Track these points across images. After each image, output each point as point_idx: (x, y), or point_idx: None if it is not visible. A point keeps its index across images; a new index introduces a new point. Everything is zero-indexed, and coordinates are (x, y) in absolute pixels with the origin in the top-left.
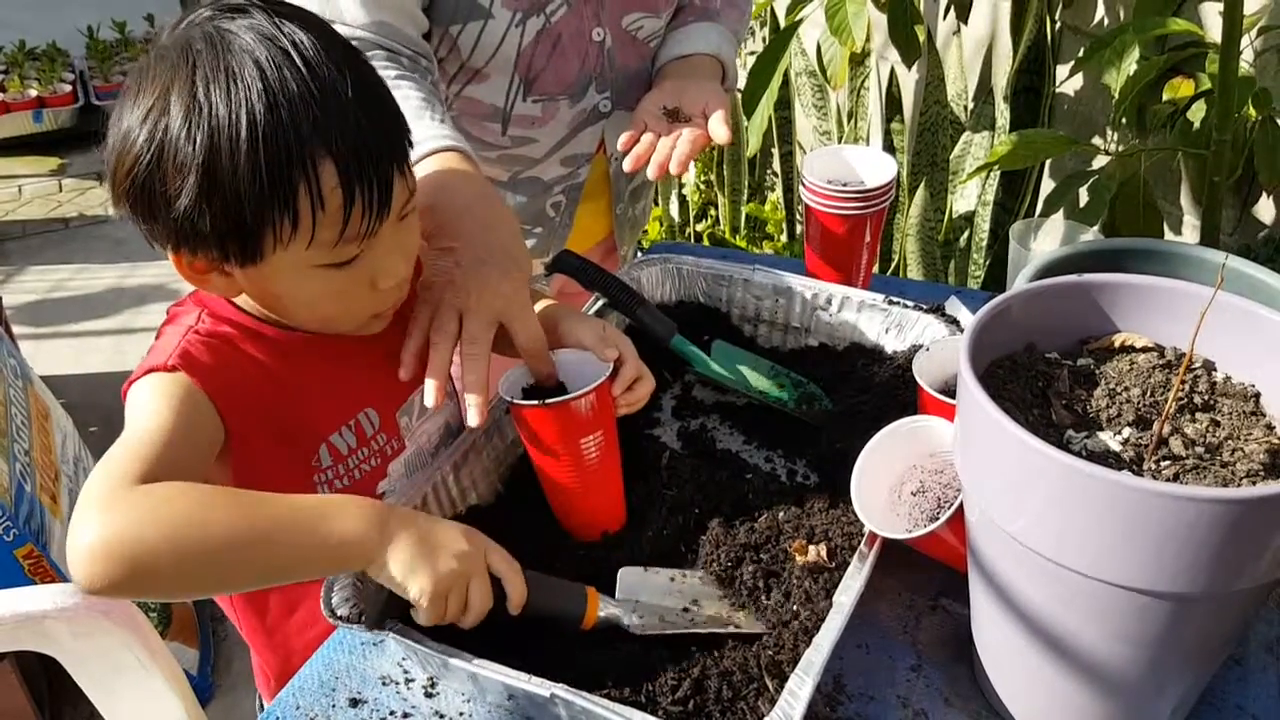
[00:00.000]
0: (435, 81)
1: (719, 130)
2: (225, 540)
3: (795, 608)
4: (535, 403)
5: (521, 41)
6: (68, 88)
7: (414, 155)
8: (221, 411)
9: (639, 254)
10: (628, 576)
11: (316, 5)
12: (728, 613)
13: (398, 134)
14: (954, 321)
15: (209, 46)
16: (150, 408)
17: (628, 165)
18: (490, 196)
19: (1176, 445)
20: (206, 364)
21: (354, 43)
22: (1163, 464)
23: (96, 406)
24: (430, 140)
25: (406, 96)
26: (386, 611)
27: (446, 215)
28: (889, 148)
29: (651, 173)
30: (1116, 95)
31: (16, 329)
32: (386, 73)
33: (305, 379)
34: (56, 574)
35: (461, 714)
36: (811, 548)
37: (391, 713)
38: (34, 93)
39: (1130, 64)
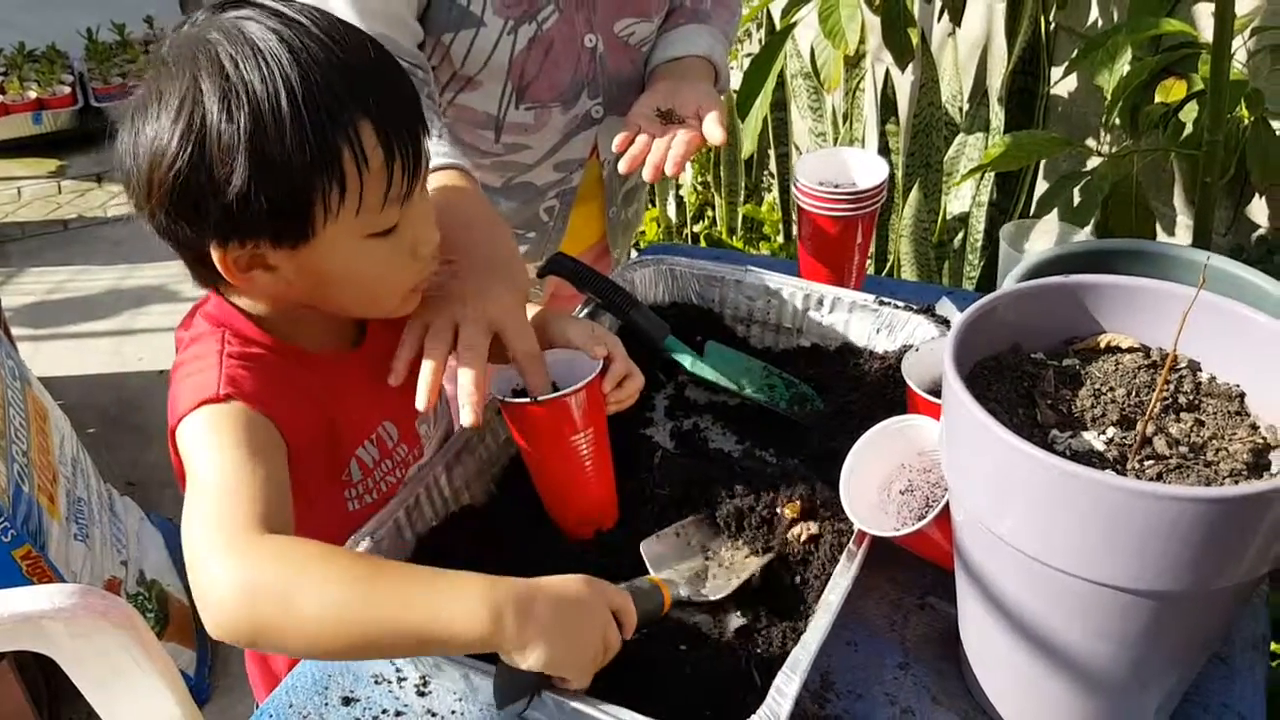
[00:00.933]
0: (432, 93)
1: (713, 131)
2: (359, 616)
3: (772, 603)
4: (526, 400)
5: (514, 49)
6: (67, 89)
7: None
8: (283, 433)
9: (631, 255)
10: (651, 548)
11: None
12: (734, 550)
13: (417, 100)
14: (945, 322)
15: (225, 34)
16: (228, 447)
17: (623, 167)
18: (491, 214)
19: (1160, 445)
20: (256, 386)
21: None
22: (1146, 464)
23: (95, 408)
24: (432, 158)
25: None
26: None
27: (449, 231)
28: (884, 149)
29: (647, 174)
30: (1109, 96)
31: (15, 330)
32: None
33: (329, 394)
34: (54, 574)
35: (454, 712)
36: (804, 525)
37: (384, 711)
38: (33, 94)
39: (1123, 65)
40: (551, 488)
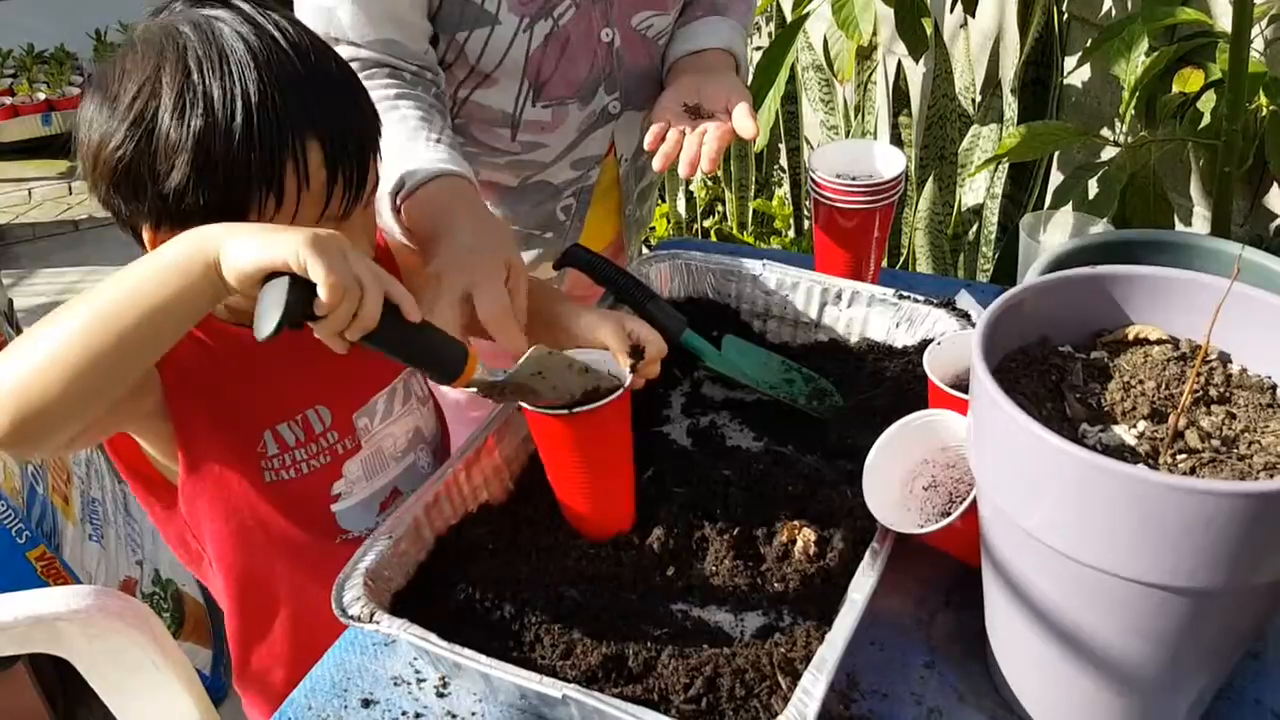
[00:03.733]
0: (440, 93)
1: (746, 125)
2: (81, 331)
3: (795, 601)
4: (554, 412)
5: (530, 46)
6: (76, 90)
7: (411, 182)
8: (162, 375)
9: (644, 250)
10: (534, 353)
11: (320, 23)
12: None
13: (375, 122)
14: (964, 315)
15: (196, 31)
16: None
17: (657, 164)
18: (490, 218)
19: (1192, 438)
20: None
21: (356, 62)
22: (1179, 458)
23: None
24: (430, 165)
25: (404, 117)
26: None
27: (442, 235)
28: (896, 141)
29: (683, 170)
30: (1126, 86)
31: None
32: (386, 91)
33: (249, 369)
34: (69, 576)
35: (474, 714)
36: (802, 533)
37: (404, 713)
38: (42, 96)
39: (1139, 54)
40: (570, 494)
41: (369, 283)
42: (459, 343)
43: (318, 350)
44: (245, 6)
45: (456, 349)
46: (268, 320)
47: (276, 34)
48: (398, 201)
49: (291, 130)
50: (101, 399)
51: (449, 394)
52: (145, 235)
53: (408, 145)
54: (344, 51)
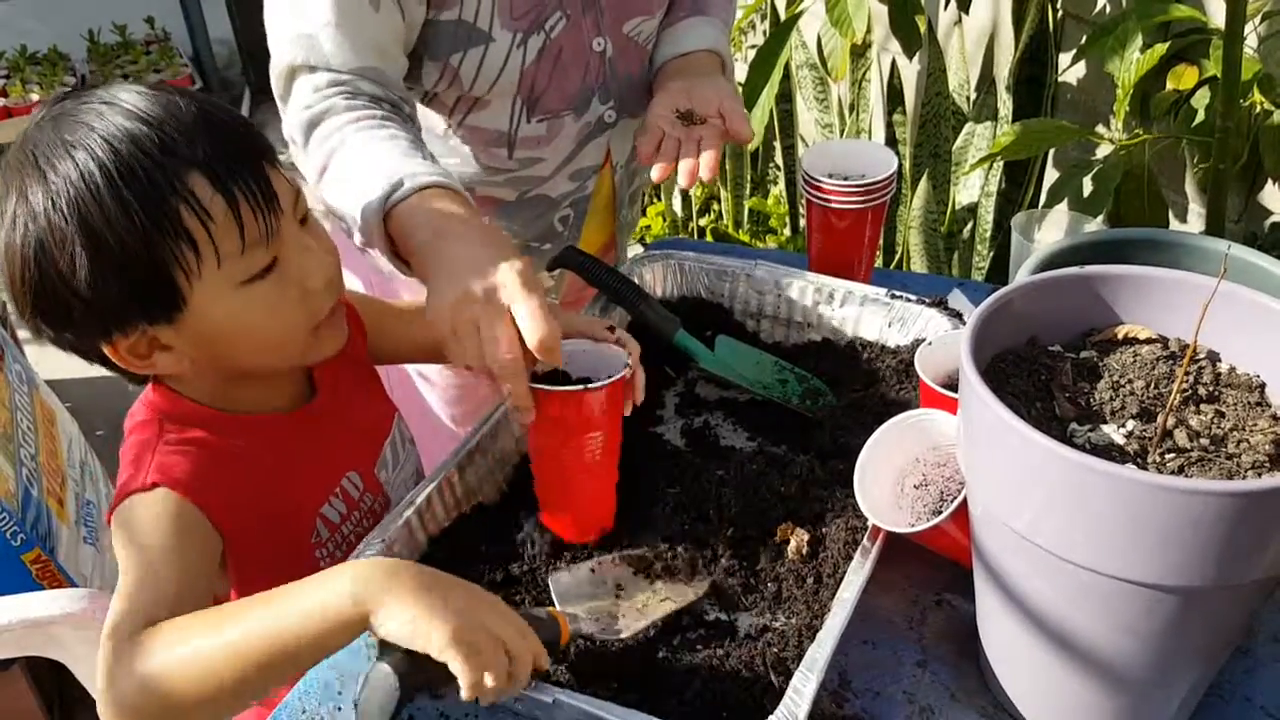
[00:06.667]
0: (417, 128)
1: (743, 130)
2: (233, 684)
3: (788, 601)
4: (556, 388)
5: (524, 62)
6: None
7: (411, 184)
8: (214, 520)
9: (629, 252)
10: (559, 583)
11: (299, 51)
12: (650, 594)
13: (252, 134)
14: (957, 315)
15: (42, 132)
16: (137, 544)
17: (656, 175)
18: (488, 228)
19: (1181, 438)
20: (186, 473)
21: (336, 86)
22: (1167, 457)
23: (103, 411)
24: (422, 175)
25: (394, 135)
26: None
27: (432, 253)
28: (891, 140)
29: (683, 181)
30: (1121, 84)
31: (21, 334)
32: (372, 111)
33: (284, 458)
34: (64, 578)
35: (466, 715)
36: (795, 533)
37: (396, 714)
38: (35, 97)
39: (1134, 52)
40: (553, 484)
41: (518, 653)
42: (550, 619)
43: (335, 411)
44: (91, 93)
45: (552, 626)
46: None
47: (119, 100)
48: (388, 203)
49: (164, 171)
50: (239, 705)
51: (432, 403)
52: (108, 353)
53: (403, 160)
54: (323, 79)
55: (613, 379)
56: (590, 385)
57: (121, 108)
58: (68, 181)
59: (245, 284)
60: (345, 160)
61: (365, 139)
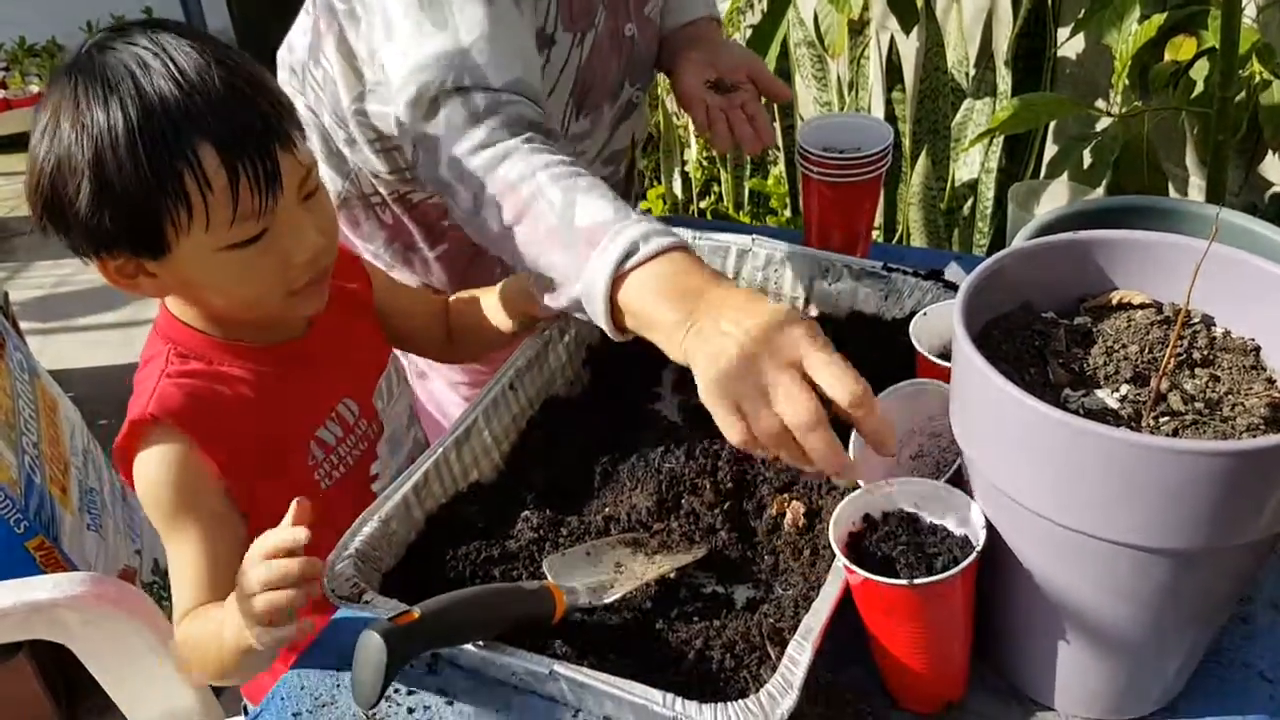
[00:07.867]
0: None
1: (779, 89)
2: (217, 647)
3: (784, 573)
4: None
5: (581, 61)
6: None
7: (647, 248)
8: (207, 452)
9: None
10: (554, 565)
11: (451, 73)
12: (652, 564)
13: (276, 116)
14: (953, 287)
15: (91, 63)
16: (175, 531)
17: (719, 148)
18: (742, 290)
19: (1175, 401)
20: (184, 403)
21: (498, 116)
22: (1161, 420)
23: (105, 399)
24: (654, 238)
25: (594, 184)
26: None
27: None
28: (890, 116)
29: (750, 150)
30: (1119, 56)
31: (24, 324)
32: (550, 156)
33: (282, 385)
34: (68, 565)
35: (464, 691)
36: (792, 506)
37: (395, 690)
38: (35, 89)
39: (1131, 23)
40: (904, 659)
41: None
42: (543, 590)
43: (331, 345)
44: (140, 37)
45: (546, 599)
46: (366, 689)
47: (163, 54)
48: (625, 267)
49: (179, 139)
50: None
51: (433, 379)
52: (96, 266)
53: (616, 218)
54: (480, 102)
55: (954, 571)
56: (912, 583)
57: (161, 69)
58: (95, 123)
59: (226, 249)
60: (544, 215)
61: (564, 189)
